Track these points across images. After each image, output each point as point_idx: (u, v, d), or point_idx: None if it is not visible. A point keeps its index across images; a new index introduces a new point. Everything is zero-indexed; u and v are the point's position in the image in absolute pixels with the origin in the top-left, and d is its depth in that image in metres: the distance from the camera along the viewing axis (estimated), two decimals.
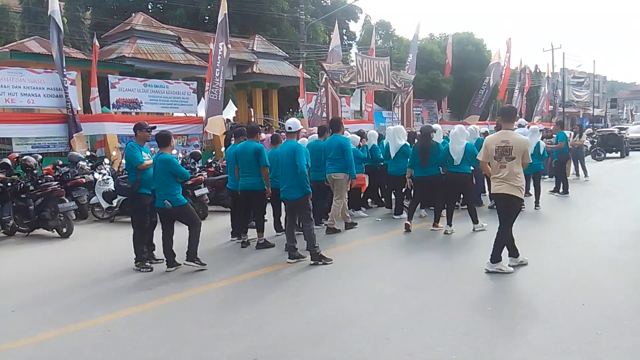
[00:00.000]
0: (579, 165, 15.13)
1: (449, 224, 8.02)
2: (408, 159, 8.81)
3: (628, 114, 64.54)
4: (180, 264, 6.34)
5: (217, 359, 3.77)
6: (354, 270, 6.15)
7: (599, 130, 30.41)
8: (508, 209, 5.74)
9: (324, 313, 4.64)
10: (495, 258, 5.72)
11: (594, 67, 53.45)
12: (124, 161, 12.60)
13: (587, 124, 43.88)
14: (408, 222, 8.25)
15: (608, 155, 23.35)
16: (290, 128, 6.78)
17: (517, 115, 9.80)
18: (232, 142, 8.50)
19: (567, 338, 3.93)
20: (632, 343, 3.82)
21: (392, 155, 9.27)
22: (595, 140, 24.10)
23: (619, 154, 24.34)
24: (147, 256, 6.58)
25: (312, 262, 6.37)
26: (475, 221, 8.07)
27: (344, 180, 8.23)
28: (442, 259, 6.59)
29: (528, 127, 12.70)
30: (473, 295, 5.01)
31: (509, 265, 5.80)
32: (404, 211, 9.39)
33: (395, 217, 9.46)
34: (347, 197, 8.56)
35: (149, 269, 6.35)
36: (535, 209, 9.96)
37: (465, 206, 8.55)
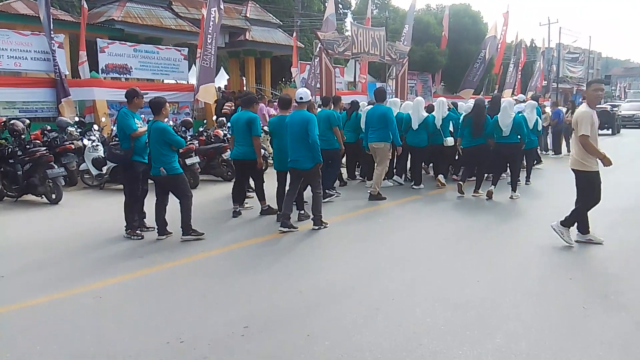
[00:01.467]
0: (565, 140, 15.22)
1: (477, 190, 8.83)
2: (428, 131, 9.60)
3: (621, 91, 64.59)
4: (170, 233, 6.34)
5: (208, 328, 3.78)
6: (346, 242, 6.19)
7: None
8: (579, 182, 5.95)
9: (316, 284, 4.67)
10: (584, 229, 5.90)
11: (590, 43, 53.03)
12: (114, 128, 12.51)
13: (580, 100, 43.86)
14: (461, 183, 8.89)
15: (600, 132, 23.41)
16: (301, 98, 6.75)
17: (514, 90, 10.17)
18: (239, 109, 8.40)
19: (555, 313, 3.99)
20: (619, 319, 3.88)
21: (415, 127, 9.50)
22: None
23: (610, 131, 24.47)
24: (137, 224, 6.55)
25: (315, 227, 6.64)
26: (514, 189, 8.65)
27: (385, 149, 8.57)
28: (434, 233, 6.64)
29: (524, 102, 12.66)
30: (464, 269, 5.06)
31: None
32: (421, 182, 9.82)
33: (414, 187, 9.68)
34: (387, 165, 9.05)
35: (140, 237, 6.34)
36: (526, 184, 10.02)
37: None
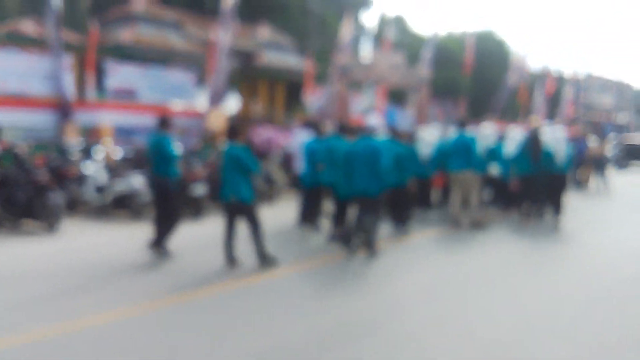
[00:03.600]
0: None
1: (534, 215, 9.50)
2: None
3: None
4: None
5: None
6: (369, 276, 6.16)
7: (624, 141, 30.31)
8: None
9: (334, 321, 4.63)
10: None
11: (621, 74, 53.13)
12: (118, 152, 12.67)
13: (608, 131, 43.68)
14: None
15: (633, 162, 23.51)
16: (373, 128, 7.36)
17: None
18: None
19: (590, 357, 3.91)
20: None
21: (561, 162, 9.52)
22: (620, 153, 24.19)
23: None
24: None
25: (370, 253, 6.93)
26: (558, 218, 9.26)
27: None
28: (459, 269, 6.56)
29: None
30: (493, 306, 4.98)
31: None
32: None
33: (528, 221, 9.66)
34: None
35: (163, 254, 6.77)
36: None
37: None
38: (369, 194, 6.94)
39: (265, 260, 6.35)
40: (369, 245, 6.95)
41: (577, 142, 14.85)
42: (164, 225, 6.87)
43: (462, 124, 9.32)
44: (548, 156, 9.30)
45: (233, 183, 6.27)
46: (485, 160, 9.73)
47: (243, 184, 6.29)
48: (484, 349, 3.99)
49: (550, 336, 4.29)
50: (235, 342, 4.13)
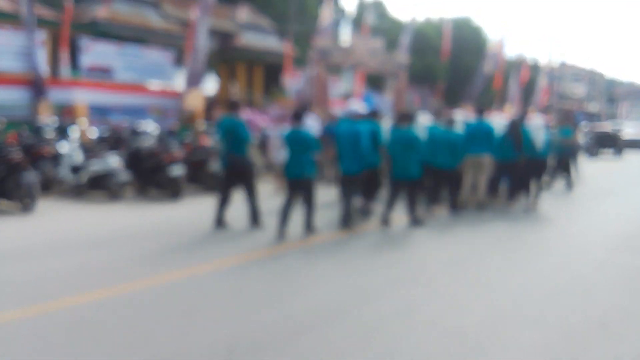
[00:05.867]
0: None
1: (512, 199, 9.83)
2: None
3: (623, 112, 65.56)
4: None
5: (190, 350, 3.73)
6: (337, 263, 6.15)
7: (593, 129, 30.91)
8: None
9: (306, 306, 4.63)
10: None
11: (594, 63, 53.96)
12: (94, 132, 12.45)
13: (581, 120, 44.47)
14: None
15: (602, 150, 23.97)
16: (356, 111, 8.00)
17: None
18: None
19: (557, 341, 3.99)
20: (621, 350, 3.90)
21: (540, 147, 9.81)
22: (590, 141, 24.59)
23: (612, 150, 24.92)
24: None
25: (342, 224, 7.59)
26: (535, 201, 9.65)
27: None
28: (429, 254, 6.64)
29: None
30: (462, 294, 5.05)
31: None
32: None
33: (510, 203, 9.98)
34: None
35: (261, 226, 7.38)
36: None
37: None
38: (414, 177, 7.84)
39: (311, 229, 7.22)
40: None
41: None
42: (251, 202, 7.46)
43: (480, 111, 9.74)
44: (528, 142, 9.60)
45: (299, 162, 7.04)
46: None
47: (308, 162, 7.10)
48: (451, 336, 4.03)
49: (517, 322, 4.35)
50: (209, 327, 4.13)
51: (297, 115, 7.31)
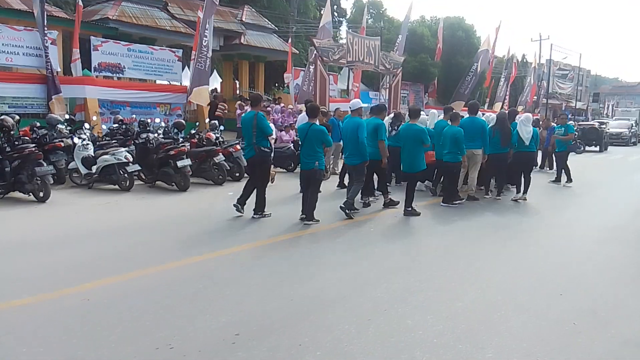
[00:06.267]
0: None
1: (499, 193, 9.95)
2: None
3: (609, 109, 65.50)
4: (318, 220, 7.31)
5: (198, 333, 3.74)
6: (337, 251, 6.16)
7: (580, 123, 30.88)
8: None
9: (307, 292, 4.64)
10: None
11: (580, 60, 53.70)
12: (104, 127, 12.43)
13: (569, 116, 44.51)
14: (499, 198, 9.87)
15: (587, 148, 23.75)
16: (350, 107, 8.21)
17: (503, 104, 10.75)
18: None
19: (546, 328, 4.00)
20: (609, 335, 3.91)
21: (527, 141, 9.73)
22: (577, 134, 24.43)
23: (598, 148, 24.77)
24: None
25: (341, 206, 7.72)
26: (525, 192, 9.74)
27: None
28: (422, 244, 6.66)
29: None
30: (454, 281, 5.06)
31: None
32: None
33: (498, 198, 9.94)
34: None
35: (269, 215, 7.56)
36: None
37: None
38: (352, 163, 7.96)
39: (312, 218, 7.35)
40: (346, 204, 7.78)
41: (552, 129, 14.99)
42: (254, 189, 7.62)
43: (475, 109, 9.83)
44: (516, 137, 9.68)
45: (312, 154, 7.28)
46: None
47: (321, 155, 7.38)
48: (443, 321, 4.04)
49: (507, 307, 4.36)
50: (217, 312, 4.14)
51: (312, 111, 7.58)
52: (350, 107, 8.20)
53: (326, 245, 6.38)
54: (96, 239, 6.35)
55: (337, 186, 10.43)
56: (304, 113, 10.37)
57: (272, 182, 9.51)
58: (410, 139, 8.14)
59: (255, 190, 7.64)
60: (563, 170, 12.12)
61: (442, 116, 10.38)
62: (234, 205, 7.64)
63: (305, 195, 7.53)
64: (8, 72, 13.04)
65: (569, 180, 12.05)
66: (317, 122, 7.50)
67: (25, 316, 4.00)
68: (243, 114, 8.77)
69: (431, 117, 10.53)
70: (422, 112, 9.76)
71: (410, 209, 8.09)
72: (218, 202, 8.97)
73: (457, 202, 9.01)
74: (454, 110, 9.67)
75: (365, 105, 9.45)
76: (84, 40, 14.51)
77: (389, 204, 8.69)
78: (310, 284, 4.88)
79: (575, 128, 25.40)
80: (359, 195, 8.36)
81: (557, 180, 12.20)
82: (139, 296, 4.46)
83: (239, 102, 17.46)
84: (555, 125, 15.10)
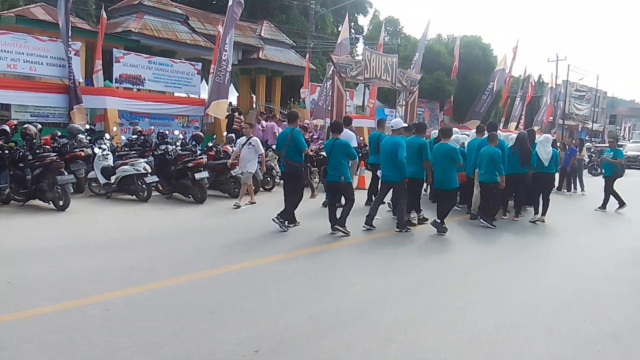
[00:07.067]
0: (577, 179, 15.20)
1: (517, 214, 9.88)
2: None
3: (626, 132, 64.87)
4: (348, 232, 7.59)
5: (218, 348, 3.72)
6: (355, 267, 6.13)
7: (597, 145, 30.61)
8: None
9: (326, 308, 4.60)
10: None
11: (597, 81, 53.21)
12: (123, 137, 12.56)
13: (585, 138, 44.11)
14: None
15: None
16: (392, 127, 8.35)
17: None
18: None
19: (569, 351, 3.93)
20: None
21: (546, 162, 9.70)
22: (593, 155, 24.19)
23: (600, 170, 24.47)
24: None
25: (397, 230, 8.03)
26: (543, 214, 9.63)
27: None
28: (442, 261, 6.59)
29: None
30: (475, 302, 4.99)
31: None
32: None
33: (516, 219, 9.84)
34: None
35: (295, 225, 7.91)
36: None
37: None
38: (392, 180, 8.03)
39: (342, 227, 7.67)
40: (398, 224, 8.14)
41: (572, 150, 14.82)
42: (291, 201, 7.90)
43: (493, 128, 9.71)
44: (535, 157, 9.63)
45: (338, 167, 7.60)
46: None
47: (346, 167, 7.69)
48: (466, 342, 3.98)
49: (530, 330, 4.29)
50: (236, 326, 4.12)
51: (336, 127, 8.07)
52: (392, 127, 8.36)
53: (346, 260, 6.37)
54: (115, 248, 6.38)
55: (366, 204, 10.26)
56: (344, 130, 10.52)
57: (313, 197, 10.30)
58: (443, 158, 8.16)
59: (297, 201, 7.98)
60: (611, 195, 11.57)
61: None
62: (285, 227, 7.77)
63: (331, 206, 7.78)
64: (31, 81, 13.25)
65: (621, 204, 11.49)
66: (340, 137, 7.92)
67: (46, 325, 4.01)
68: (281, 131, 9.20)
69: (472, 136, 10.53)
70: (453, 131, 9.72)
71: (439, 221, 8.15)
72: (235, 215, 8.99)
73: (491, 222, 8.88)
74: (492, 131, 9.48)
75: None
76: (106, 52, 14.73)
77: (422, 221, 8.80)
78: (330, 299, 4.85)
79: (592, 150, 25.41)
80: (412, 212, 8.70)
81: (603, 207, 11.65)
82: (159, 308, 4.46)
83: (256, 116, 17.57)
84: (574, 146, 14.97)
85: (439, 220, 8.13)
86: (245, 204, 9.87)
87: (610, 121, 61.73)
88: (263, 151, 10.21)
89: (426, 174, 8.38)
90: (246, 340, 3.85)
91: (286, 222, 7.78)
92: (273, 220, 7.71)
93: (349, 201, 7.78)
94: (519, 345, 4.02)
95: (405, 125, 8.82)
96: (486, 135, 9.45)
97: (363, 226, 8.03)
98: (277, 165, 11.53)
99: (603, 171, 12.22)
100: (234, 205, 9.64)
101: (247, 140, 9.99)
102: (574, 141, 15.95)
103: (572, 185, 15.19)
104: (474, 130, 10.74)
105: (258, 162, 10.33)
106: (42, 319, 4.12)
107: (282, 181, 8.97)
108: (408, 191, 8.25)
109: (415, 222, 8.75)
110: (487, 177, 8.80)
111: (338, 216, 7.72)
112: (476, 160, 9.17)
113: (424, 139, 8.68)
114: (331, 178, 7.74)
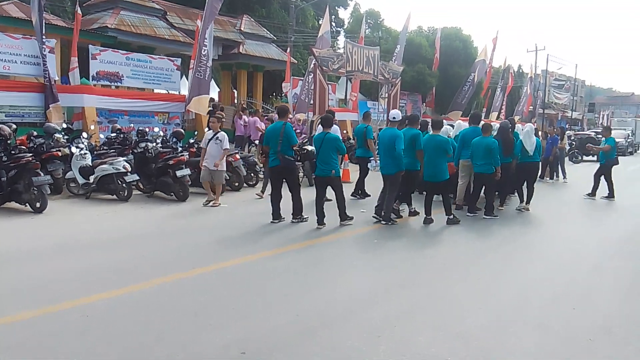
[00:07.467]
0: (559, 167, 15.32)
1: (502, 203, 9.88)
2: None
3: (604, 119, 65.70)
4: (324, 224, 7.65)
5: (203, 351, 3.60)
6: (342, 263, 6.04)
7: (576, 133, 30.93)
8: None
9: (313, 306, 4.51)
10: None
11: (576, 70, 53.80)
12: (102, 136, 12.29)
13: (565, 126, 44.59)
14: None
15: (585, 158, 23.73)
16: (394, 118, 8.38)
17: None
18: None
19: (560, 345, 3.88)
20: (626, 352, 3.80)
21: (531, 152, 9.76)
22: (574, 143, 24.43)
23: (595, 158, 24.71)
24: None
25: (383, 222, 7.98)
26: (529, 202, 9.74)
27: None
28: (426, 256, 6.53)
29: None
30: (463, 296, 4.93)
31: None
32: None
33: (501, 208, 9.77)
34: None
35: (306, 219, 7.87)
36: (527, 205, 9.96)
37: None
38: (387, 172, 8.05)
39: (346, 218, 7.89)
40: (385, 218, 8.08)
41: (555, 139, 14.87)
42: (295, 197, 7.91)
43: (474, 120, 9.65)
44: (519, 147, 9.65)
45: (328, 161, 7.64)
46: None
47: (336, 161, 7.77)
48: (456, 339, 3.91)
49: (519, 326, 4.22)
50: (221, 328, 4.00)
51: (327, 121, 8.01)
52: (394, 118, 8.41)
53: (333, 256, 6.28)
54: (95, 250, 6.21)
55: (351, 195, 10.31)
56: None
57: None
58: (434, 149, 8.15)
59: (282, 198, 7.92)
60: (607, 184, 11.56)
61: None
62: (272, 222, 7.84)
63: (319, 200, 7.76)
64: (5, 80, 12.88)
65: (611, 196, 11.47)
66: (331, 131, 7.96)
67: (23, 332, 3.85)
68: (269, 125, 9.07)
69: (457, 127, 10.43)
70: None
71: (452, 216, 8.21)
72: (218, 212, 8.84)
73: (475, 213, 8.96)
74: (475, 122, 9.52)
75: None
76: (82, 49, 14.38)
77: (413, 214, 8.77)
78: (316, 297, 4.75)
79: (572, 138, 25.65)
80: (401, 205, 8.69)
81: (593, 194, 11.67)
82: (140, 311, 4.32)
83: (237, 111, 17.38)
84: (556, 135, 15.06)
85: (451, 216, 8.19)
86: (204, 204, 9.43)
87: (589, 109, 62.47)
88: (227, 147, 9.71)
89: (420, 165, 8.29)
90: (232, 342, 3.74)
91: (302, 216, 7.92)
92: (292, 222, 7.84)
93: (340, 193, 7.81)
94: (509, 339, 3.96)
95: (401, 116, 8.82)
96: (480, 125, 9.42)
97: (373, 216, 8.25)
98: (260, 161, 11.32)
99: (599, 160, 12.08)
100: (205, 203, 9.46)
101: (214, 135, 9.54)
102: (555, 130, 16.04)
103: (555, 174, 15.30)
104: (458, 121, 10.74)
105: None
106: (19, 326, 3.96)
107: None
108: (403, 183, 8.23)
109: (403, 214, 8.68)
110: (485, 168, 8.73)
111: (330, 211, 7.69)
112: (461, 151, 9.13)
113: (417, 129, 8.59)
114: (321, 172, 7.75)
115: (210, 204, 9.39)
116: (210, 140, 9.50)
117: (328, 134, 7.78)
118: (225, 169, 9.80)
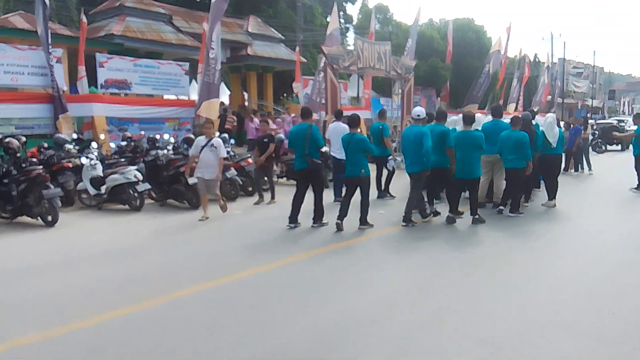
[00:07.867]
0: (584, 159, 14.94)
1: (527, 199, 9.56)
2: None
3: (625, 107, 64.55)
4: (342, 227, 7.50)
5: None
6: (360, 269, 5.85)
7: (598, 122, 30.30)
8: None
9: (333, 317, 4.34)
10: None
11: (594, 58, 53.14)
12: (112, 144, 12.26)
13: (586, 115, 43.94)
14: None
15: (609, 147, 23.23)
16: (419, 115, 8.10)
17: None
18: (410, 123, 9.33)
19: (597, 349, 3.68)
20: None
21: (554, 143, 9.48)
22: (596, 133, 23.89)
23: (619, 147, 24.18)
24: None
25: (403, 224, 7.80)
26: (553, 197, 9.41)
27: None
28: (450, 256, 6.32)
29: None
30: (490, 299, 4.73)
31: None
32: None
33: (526, 204, 9.49)
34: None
35: (326, 224, 7.76)
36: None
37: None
38: (412, 170, 7.99)
39: (366, 223, 7.72)
40: (405, 217, 7.91)
41: (577, 129, 14.49)
42: (317, 198, 7.83)
43: (496, 113, 9.43)
44: (541, 139, 9.33)
45: (356, 162, 7.57)
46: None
47: (365, 161, 7.64)
48: (486, 346, 3.72)
49: (552, 329, 4.02)
50: (237, 344, 3.87)
51: (353, 122, 7.85)
52: (418, 115, 8.15)
53: (348, 263, 6.08)
54: (106, 264, 6.11)
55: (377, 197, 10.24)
56: (335, 123, 10.50)
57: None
58: (468, 146, 7.96)
59: (304, 201, 7.83)
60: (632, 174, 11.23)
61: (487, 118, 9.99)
62: (288, 225, 7.73)
63: (344, 202, 7.70)
64: (13, 92, 12.92)
65: None
66: (359, 132, 7.83)
67: (33, 355, 3.75)
68: (293, 126, 8.95)
69: (477, 121, 10.01)
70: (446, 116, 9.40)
71: (477, 216, 8.02)
72: (231, 220, 8.72)
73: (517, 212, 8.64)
74: (497, 114, 9.29)
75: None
76: (90, 57, 14.38)
77: (434, 214, 8.51)
78: (335, 307, 4.58)
79: (594, 128, 25.09)
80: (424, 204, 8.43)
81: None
82: (154, 327, 4.19)
83: (248, 114, 17.29)
84: (579, 125, 14.69)
85: (476, 216, 7.99)
86: (199, 220, 8.63)
87: (609, 97, 61.52)
88: (225, 155, 9.10)
89: (450, 162, 8.05)
90: (247, 358, 3.60)
91: (322, 221, 7.82)
92: (313, 226, 7.74)
93: (366, 197, 7.70)
94: (542, 346, 3.75)
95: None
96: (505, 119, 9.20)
97: (423, 220, 8.16)
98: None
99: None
100: (201, 218, 8.71)
101: (208, 142, 8.70)
102: (578, 120, 15.66)
103: (580, 166, 14.93)
104: (478, 115, 10.42)
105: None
106: (29, 348, 3.85)
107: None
108: (433, 182, 8.15)
109: (432, 212, 8.45)
110: (516, 162, 8.44)
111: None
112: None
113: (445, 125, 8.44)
114: (351, 173, 7.71)
115: (206, 219, 8.71)
116: (203, 147, 8.66)
117: (355, 134, 7.68)
118: (216, 177, 8.84)
